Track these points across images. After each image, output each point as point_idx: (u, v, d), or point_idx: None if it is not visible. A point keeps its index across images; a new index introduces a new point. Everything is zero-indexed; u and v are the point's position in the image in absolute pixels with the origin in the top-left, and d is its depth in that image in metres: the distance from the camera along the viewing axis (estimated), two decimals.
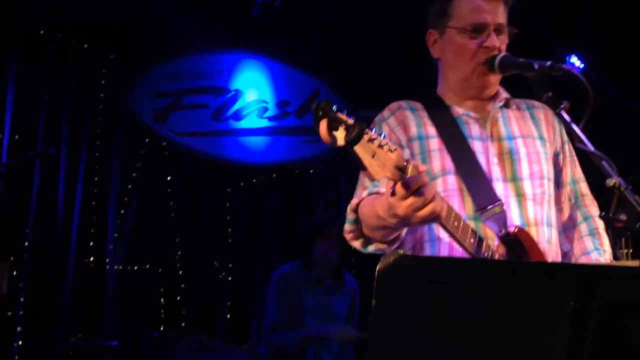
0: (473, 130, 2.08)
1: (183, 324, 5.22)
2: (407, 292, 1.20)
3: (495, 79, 2.11)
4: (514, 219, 1.97)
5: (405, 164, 1.53)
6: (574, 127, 1.81)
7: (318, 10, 5.06)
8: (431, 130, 2.08)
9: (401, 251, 1.75)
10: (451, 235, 1.77)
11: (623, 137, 4.75)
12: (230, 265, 5.41)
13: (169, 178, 5.38)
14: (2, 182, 4.65)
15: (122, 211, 5.19)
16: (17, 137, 4.84)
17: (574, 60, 5.33)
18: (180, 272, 5.29)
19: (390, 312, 1.22)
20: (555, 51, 5.44)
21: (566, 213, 2.16)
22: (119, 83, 5.31)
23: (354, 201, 1.93)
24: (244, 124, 5.60)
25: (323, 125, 1.43)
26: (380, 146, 1.49)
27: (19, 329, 4.66)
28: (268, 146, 5.64)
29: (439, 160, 2.02)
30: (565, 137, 2.18)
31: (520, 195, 2.01)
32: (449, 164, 2.01)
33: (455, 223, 1.74)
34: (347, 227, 1.94)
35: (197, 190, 5.38)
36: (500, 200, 1.95)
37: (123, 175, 5.22)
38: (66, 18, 5.02)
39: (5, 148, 4.74)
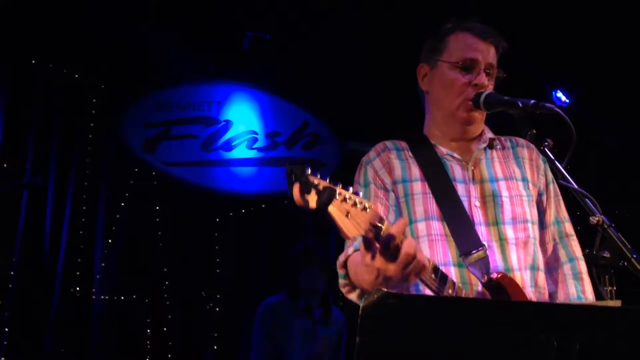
0: (456, 172, 2.08)
1: (170, 355, 5.16)
2: (390, 330, 1.20)
3: (480, 115, 2.12)
4: (497, 264, 1.95)
5: (379, 222, 1.56)
6: (558, 164, 1.84)
7: (307, 42, 5.12)
8: (415, 172, 2.08)
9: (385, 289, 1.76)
10: (428, 287, 1.77)
11: (608, 169, 4.80)
12: (218, 296, 5.38)
13: (157, 208, 5.37)
14: None
15: (110, 240, 5.16)
16: (5, 165, 4.83)
17: (560, 95, 5.40)
18: (168, 303, 5.24)
19: (374, 350, 1.22)
20: (542, 86, 5.52)
21: (550, 254, 2.13)
22: (109, 113, 5.33)
23: (342, 258, 1.95)
24: (233, 154, 5.62)
25: (296, 189, 1.46)
26: (355, 204, 1.52)
27: (2, 359, 4.60)
28: (257, 176, 5.65)
29: (423, 204, 2.02)
30: (550, 176, 2.18)
31: (502, 240, 1.99)
32: (433, 208, 2.01)
33: (433, 275, 1.74)
34: (341, 281, 1.96)
35: (185, 220, 5.37)
36: (483, 245, 1.94)
37: (111, 204, 5.21)
38: (57, 48, 5.05)
39: None
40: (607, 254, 1.66)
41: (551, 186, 2.17)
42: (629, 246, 1.63)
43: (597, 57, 5.02)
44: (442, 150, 2.12)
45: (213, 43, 5.27)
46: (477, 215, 2.00)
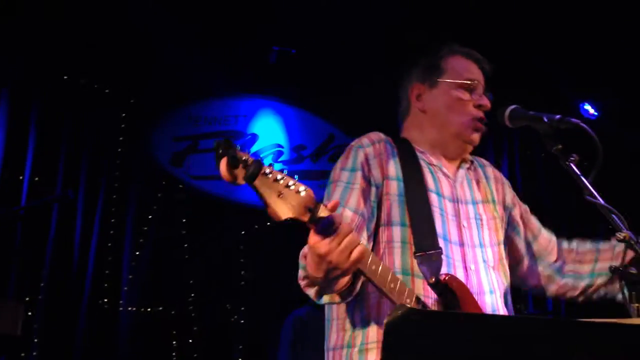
0: (444, 188, 2.05)
1: None
2: (414, 346, 1.20)
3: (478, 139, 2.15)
4: (484, 285, 1.94)
5: (314, 205, 1.52)
6: (584, 179, 1.82)
7: (333, 57, 5.15)
8: (400, 173, 2.01)
9: (409, 305, 1.75)
10: (369, 279, 1.70)
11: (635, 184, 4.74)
12: (243, 308, 5.40)
13: (184, 220, 5.42)
14: (20, 223, 4.72)
15: (137, 253, 5.22)
16: (37, 178, 4.92)
17: (588, 107, 5.35)
18: (193, 314, 5.28)
19: None
20: (570, 98, 5.48)
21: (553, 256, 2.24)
22: (138, 127, 5.41)
23: (305, 249, 1.82)
24: None
25: (223, 163, 1.41)
26: (288, 186, 1.47)
27: None
28: None
29: (399, 208, 1.96)
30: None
31: (484, 262, 1.99)
32: (405, 214, 1.95)
33: (373, 267, 1.68)
34: (300, 273, 1.86)
35: (211, 233, 5.41)
36: (440, 249, 1.89)
37: (139, 217, 5.28)
38: (88, 64, 5.15)
39: (25, 190, 4.82)
40: (634, 270, 1.65)
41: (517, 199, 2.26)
42: None
43: (628, 70, 4.97)
44: (432, 160, 2.09)
45: (239, 58, 5.33)
46: (466, 236, 1.99)
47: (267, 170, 1.45)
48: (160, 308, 5.25)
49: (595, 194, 1.80)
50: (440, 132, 2.11)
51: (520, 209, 2.22)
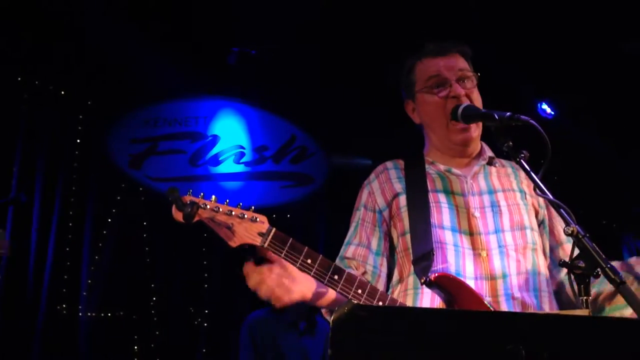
0: (454, 185, 2.15)
1: None
2: (361, 341, 1.20)
3: (475, 134, 2.18)
4: (496, 270, 2.00)
5: (266, 230, 1.83)
6: (533, 175, 1.85)
7: (294, 57, 5.15)
8: (404, 188, 2.17)
9: (355, 301, 1.77)
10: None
11: (592, 181, 4.83)
12: (205, 311, 5.36)
13: (144, 224, 5.36)
14: None
15: (96, 257, 5.15)
16: None
17: (545, 107, 5.43)
18: (155, 319, 5.22)
19: None
20: (528, 97, 5.56)
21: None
22: (96, 129, 5.33)
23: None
24: (220, 169, 5.63)
25: (174, 209, 1.76)
26: (240, 216, 1.78)
27: None
28: (245, 191, 5.65)
29: (405, 218, 2.12)
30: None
31: (502, 247, 2.04)
32: (407, 222, 2.11)
33: (336, 277, 1.85)
34: None
35: (172, 236, 5.35)
36: (431, 248, 2.00)
37: (98, 220, 5.20)
38: (44, 65, 5.06)
39: None
40: (582, 264, 1.67)
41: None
42: (603, 256, 1.64)
43: (584, 70, 5.06)
44: (441, 167, 2.19)
45: (199, 59, 5.29)
46: (477, 225, 2.07)
47: (214, 207, 1.78)
48: (121, 313, 5.18)
49: (545, 189, 1.83)
50: (436, 138, 2.23)
51: (549, 214, 2.22)
